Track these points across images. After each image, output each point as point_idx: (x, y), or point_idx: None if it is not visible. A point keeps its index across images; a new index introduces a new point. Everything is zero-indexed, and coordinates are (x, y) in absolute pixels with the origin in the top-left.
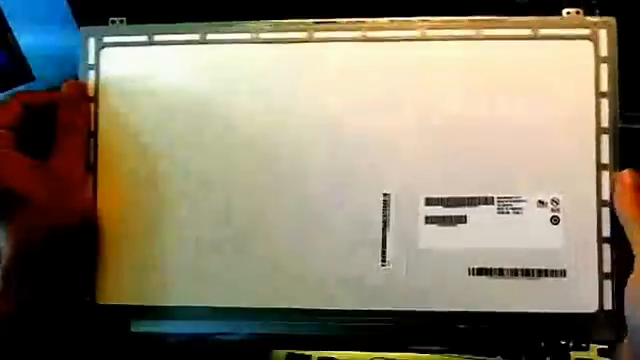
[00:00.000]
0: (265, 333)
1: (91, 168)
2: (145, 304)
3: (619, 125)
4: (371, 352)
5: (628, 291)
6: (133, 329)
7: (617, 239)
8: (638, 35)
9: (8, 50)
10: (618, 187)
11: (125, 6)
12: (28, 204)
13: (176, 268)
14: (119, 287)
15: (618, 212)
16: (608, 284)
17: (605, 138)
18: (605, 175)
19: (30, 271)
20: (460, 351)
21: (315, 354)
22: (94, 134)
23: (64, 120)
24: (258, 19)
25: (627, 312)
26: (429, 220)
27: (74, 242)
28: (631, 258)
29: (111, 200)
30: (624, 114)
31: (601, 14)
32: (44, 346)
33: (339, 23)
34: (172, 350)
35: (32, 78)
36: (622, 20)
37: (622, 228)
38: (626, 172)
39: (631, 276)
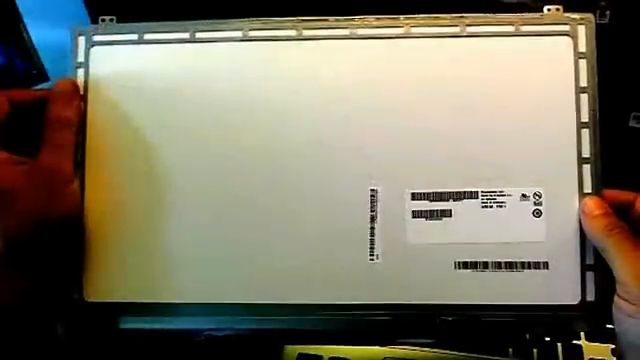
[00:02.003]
0: (255, 328)
1: (80, 165)
2: (133, 301)
3: (634, 125)
4: (381, 349)
5: (615, 308)
6: (121, 326)
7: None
8: None
9: (23, 51)
10: (586, 218)
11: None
12: (12, 200)
13: (164, 265)
14: (107, 284)
15: (592, 239)
16: (590, 276)
17: (585, 132)
18: (586, 168)
19: (16, 268)
20: (447, 344)
21: (326, 354)
22: (83, 131)
23: (53, 115)
24: (247, 17)
25: (618, 329)
26: (416, 214)
27: (61, 238)
28: (612, 280)
29: (99, 197)
30: (637, 115)
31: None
32: (32, 343)
33: (327, 21)
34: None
35: (46, 79)
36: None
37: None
38: (589, 201)
39: (615, 297)
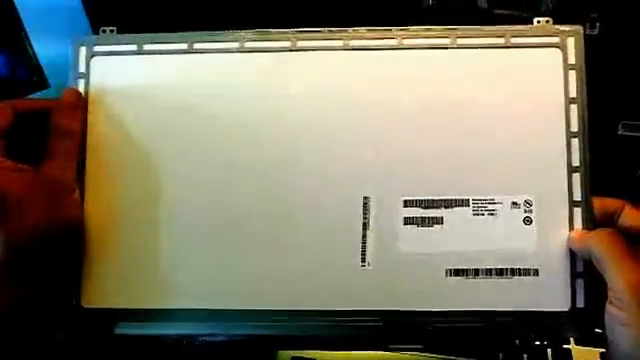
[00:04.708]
0: (249, 334)
1: (80, 174)
2: (130, 307)
3: (623, 133)
4: (372, 354)
5: (607, 316)
6: (117, 331)
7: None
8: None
9: (24, 58)
10: (577, 242)
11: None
12: (14, 208)
13: (161, 272)
14: (104, 291)
15: (587, 252)
16: (580, 283)
17: (575, 142)
18: (576, 177)
19: (17, 275)
20: (438, 350)
21: (319, 358)
22: (83, 141)
23: (57, 125)
24: (244, 29)
25: (610, 338)
26: (407, 221)
27: (61, 246)
28: (604, 289)
29: (99, 206)
30: (626, 123)
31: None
32: (31, 349)
33: (321, 32)
34: (174, 351)
35: (47, 86)
36: (623, 33)
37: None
38: (574, 232)
39: (606, 304)
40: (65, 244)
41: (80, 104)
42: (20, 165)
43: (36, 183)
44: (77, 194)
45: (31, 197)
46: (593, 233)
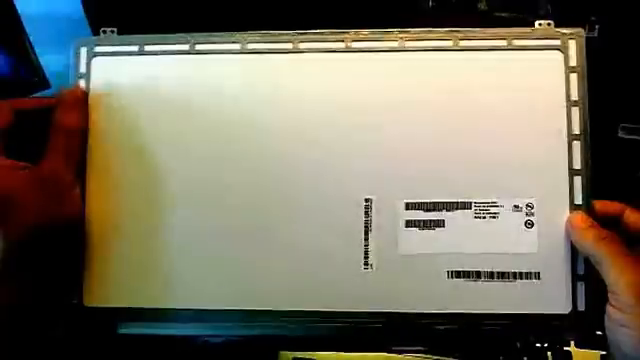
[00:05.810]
0: (251, 335)
1: (81, 173)
2: (132, 306)
3: (623, 136)
4: (375, 355)
5: (607, 318)
6: (120, 331)
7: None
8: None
9: (25, 59)
10: (575, 231)
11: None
12: (14, 205)
13: (163, 271)
14: (106, 289)
15: (583, 249)
16: (581, 286)
17: (577, 144)
18: (577, 180)
19: (17, 273)
20: (440, 352)
21: (320, 359)
22: (84, 139)
23: (59, 122)
24: (245, 30)
25: (611, 340)
26: (409, 224)
27: (62, 243)
28: (604, 290)
29: (100, 204)
30: (626, 126)
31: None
32: (32, 348)
33: (323, 34)
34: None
35: (48, 85)
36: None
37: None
38: (577, 215)
39: (607, 306)
40: (66, 241)
41: (83, 101)
42: (19, 163)
43: (35, 181)
44: (77, 191)
45: (30, 195)
46: (592, 234)
